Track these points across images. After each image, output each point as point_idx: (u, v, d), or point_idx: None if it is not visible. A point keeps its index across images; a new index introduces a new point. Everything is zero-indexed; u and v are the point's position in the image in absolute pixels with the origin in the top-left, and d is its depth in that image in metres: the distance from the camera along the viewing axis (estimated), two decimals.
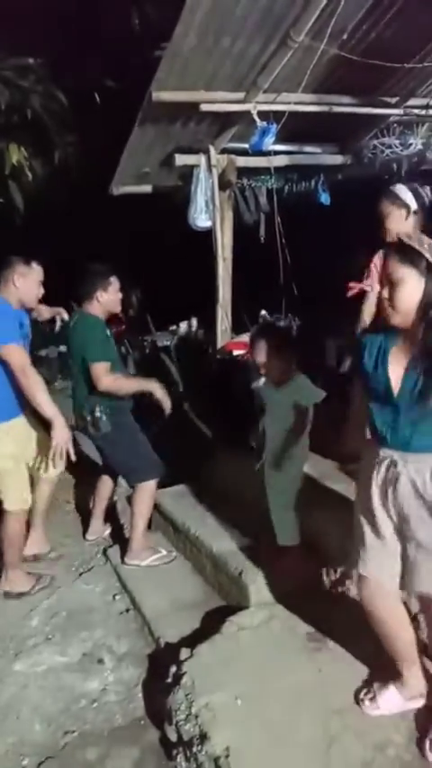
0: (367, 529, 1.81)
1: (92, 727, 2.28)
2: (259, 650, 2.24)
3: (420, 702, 1.92)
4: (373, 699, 1.93)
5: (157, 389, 3.13)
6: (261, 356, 2.49)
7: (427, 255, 1.60)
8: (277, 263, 4.03)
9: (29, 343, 2.98)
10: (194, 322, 6.23)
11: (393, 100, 3.93)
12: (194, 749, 1.87)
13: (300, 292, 3.99)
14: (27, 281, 2.87)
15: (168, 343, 5.86)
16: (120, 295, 3.17)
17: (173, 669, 2.22)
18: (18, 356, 2.71)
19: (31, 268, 2.89)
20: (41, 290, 2.98)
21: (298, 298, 4.10)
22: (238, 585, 2.68)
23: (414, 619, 2.03)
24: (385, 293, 1.67)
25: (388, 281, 1.66)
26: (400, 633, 1.88)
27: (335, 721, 1.88)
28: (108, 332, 3.13)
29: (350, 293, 2.92)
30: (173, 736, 2.03)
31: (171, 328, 6.31)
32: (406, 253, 1.62)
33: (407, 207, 2.86)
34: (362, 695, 1.96)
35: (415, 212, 2.94)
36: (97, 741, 2.21)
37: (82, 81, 4.52)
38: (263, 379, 2.59)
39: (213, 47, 3.01)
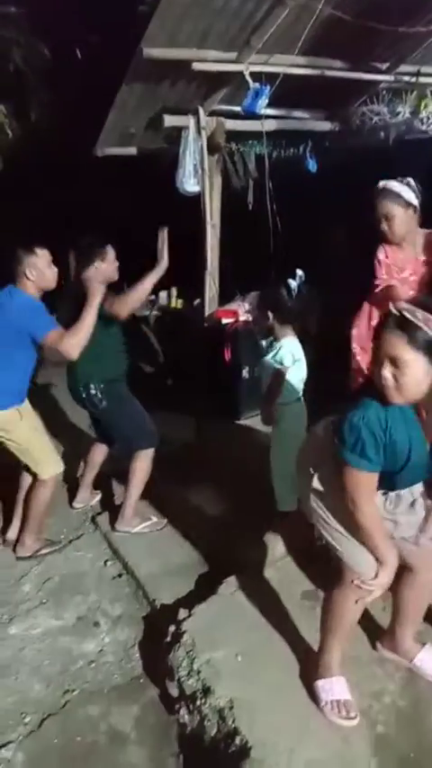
0: None
1: (91, 686, 2.33)
2: (256, 609, 2.31)
3: None
4: None
5: (158, 271, 3.08)
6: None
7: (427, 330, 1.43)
8: (265, 230, 4.00)
9: None
10: (174, 292, 6.17)
11: (384, 66, 3.89)
12: (198, 702, 1.95)
13: (288, 259, 3.97)
14: (38, 270, 2.84)
15: (147, 313, 5.79)
16: (116, 263, 3.14)
17: (172, 628, 2.28)
18: (56, 337, 2.76)
19: (37, 255, 2.84)
20: (55, 270, 2.92)
21: (286, 265, 4.08)
22: (232, 549, 2.74)
23: None
24: (386, 373, 1.48)
25: (389, 361, 1.48)
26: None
27: None
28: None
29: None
30: (174, 692, 2.09)
31: (150, 298, 6.22)
32: (410, 331, 1.44)
33: (412, 206, 2.86)
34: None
35: (416, 209, 2.93)
36: (98, 699, 2.26)
37: (64, 34, 4.32)
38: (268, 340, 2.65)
39: (207, 3, 2.91)
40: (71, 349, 2.74)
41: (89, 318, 2.79)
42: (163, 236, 3.09)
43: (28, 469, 3.08)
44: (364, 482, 1.61)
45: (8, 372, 2.84)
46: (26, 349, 2.84)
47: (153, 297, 6.16)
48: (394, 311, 1.47)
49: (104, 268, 3.07)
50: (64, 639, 2.59)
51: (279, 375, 2.58)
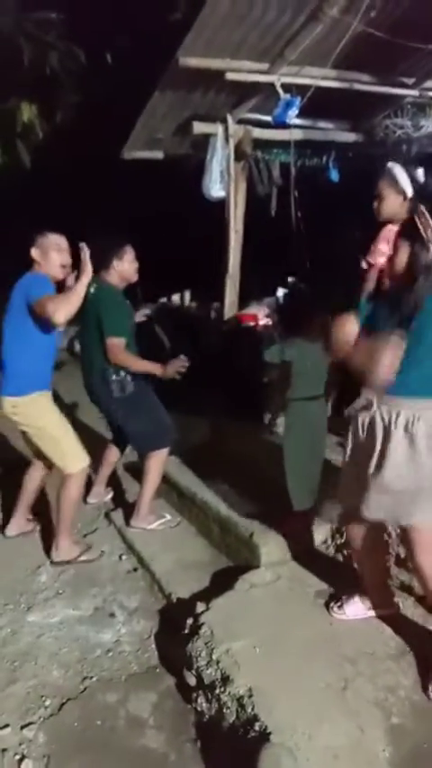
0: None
1: (109, 674, 2.38)
2: (272, 605, 2.36)
3: (381, 612, 2.26)
4: (340, 607, 2.28)
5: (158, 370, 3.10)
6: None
7: None
8: (287, 237, 4.08)
9: None
10: (187, 295, 6.19)
11: (410, 80, 3.97)
12: (216, 691, 2.00)
13: (308, 266, 4.05)
14: (46, 252, 2.88)
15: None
16: (136, 264, 3.17)
17: (189, 621, 2.33)
18: (46, 300, 2.77)
19: (47, 238, 2.90)
20: (64, 258, 2.95)
21: (306, 271, 4.17)
22: (247, 547, 2.79)
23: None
24: None
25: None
26: (367, 560, 2.22)
27: (348, 667, 2.02)
28: (127, 302, 3.16)
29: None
30: (192, 681, 2.15)
31: (161, 300, 6.23)
32: None
33: (404, 193, 2.90)
34: (331, 604, 2.31)
35: (410, 199, 2.97)
36: (116, 686, 2.31)
37: (101, 40, 4.43)
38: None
39: (245, 15, 3.00)
40: (57, 313, 2.69)
41: (78, 289, 2.76)
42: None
43: (48, 466, 3.09)
44: None
45: (29, 355, 2.88)
46: (41, 330, 2.86)
47: (164, 299, 6.22)
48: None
49: (123, 267, 3.10)
50: (81, 629, 2.64)
51: (290, 374, 2.65)
